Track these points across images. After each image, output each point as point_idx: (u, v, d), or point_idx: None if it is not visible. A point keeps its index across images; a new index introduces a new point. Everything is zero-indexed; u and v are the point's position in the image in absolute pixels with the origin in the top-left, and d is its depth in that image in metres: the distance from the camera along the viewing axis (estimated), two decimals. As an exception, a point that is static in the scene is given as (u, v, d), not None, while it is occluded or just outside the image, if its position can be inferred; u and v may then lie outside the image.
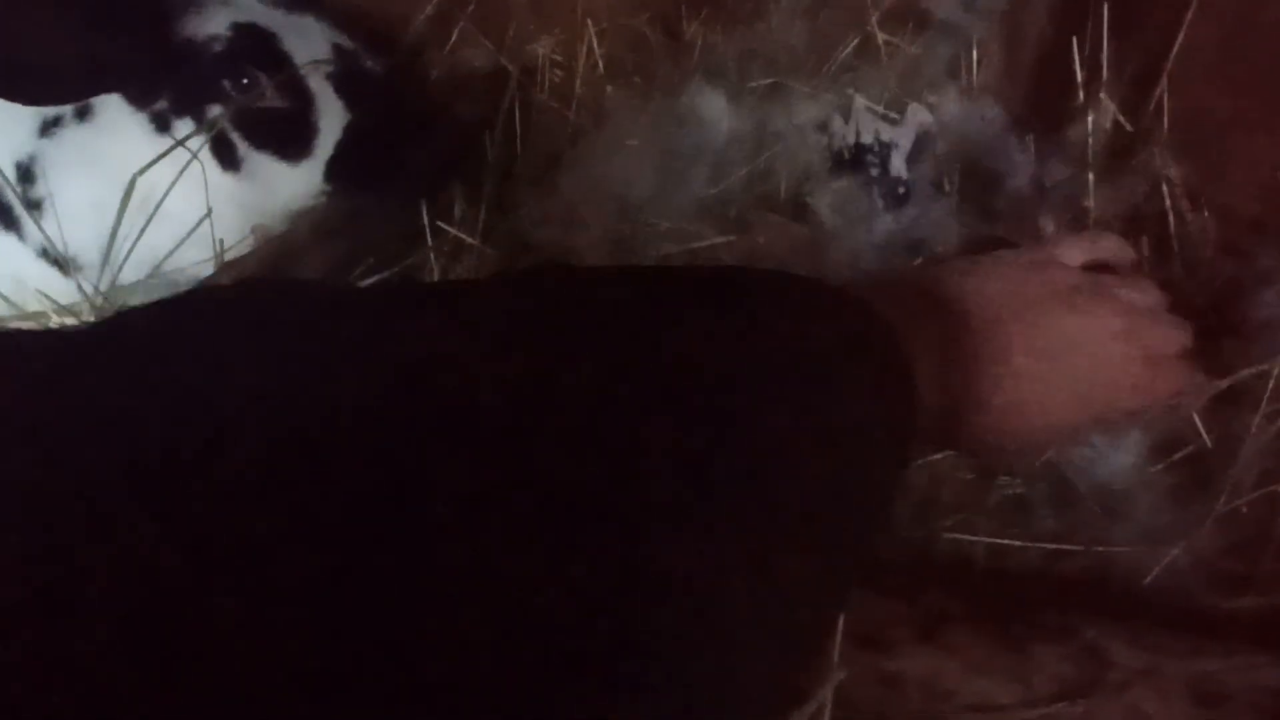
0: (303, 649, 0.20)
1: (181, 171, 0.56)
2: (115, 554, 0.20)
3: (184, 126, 0.58)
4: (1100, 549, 0.48)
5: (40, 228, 0.61)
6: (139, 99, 0.59)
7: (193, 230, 0.56)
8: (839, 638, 0.38)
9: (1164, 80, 0.59)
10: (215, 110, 0.58)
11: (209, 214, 0.55)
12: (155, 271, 0.58)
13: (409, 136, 0.60)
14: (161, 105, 0.59)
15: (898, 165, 0.64)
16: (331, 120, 0.60)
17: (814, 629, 0.34)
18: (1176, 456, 0.50)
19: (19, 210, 0.61)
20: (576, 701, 0.22)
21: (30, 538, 0.20)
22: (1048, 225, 0.57)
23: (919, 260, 0.59)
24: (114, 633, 0.19)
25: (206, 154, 0.57)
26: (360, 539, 0.22)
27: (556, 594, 0.23)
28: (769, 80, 0.66)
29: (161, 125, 0.59)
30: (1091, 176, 0.59)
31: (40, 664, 0.19)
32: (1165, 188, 0.58)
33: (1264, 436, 0.49)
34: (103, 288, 0.59)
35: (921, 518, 0.50)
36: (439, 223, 0.60)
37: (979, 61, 0.65)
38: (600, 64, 0.69)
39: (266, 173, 0.60)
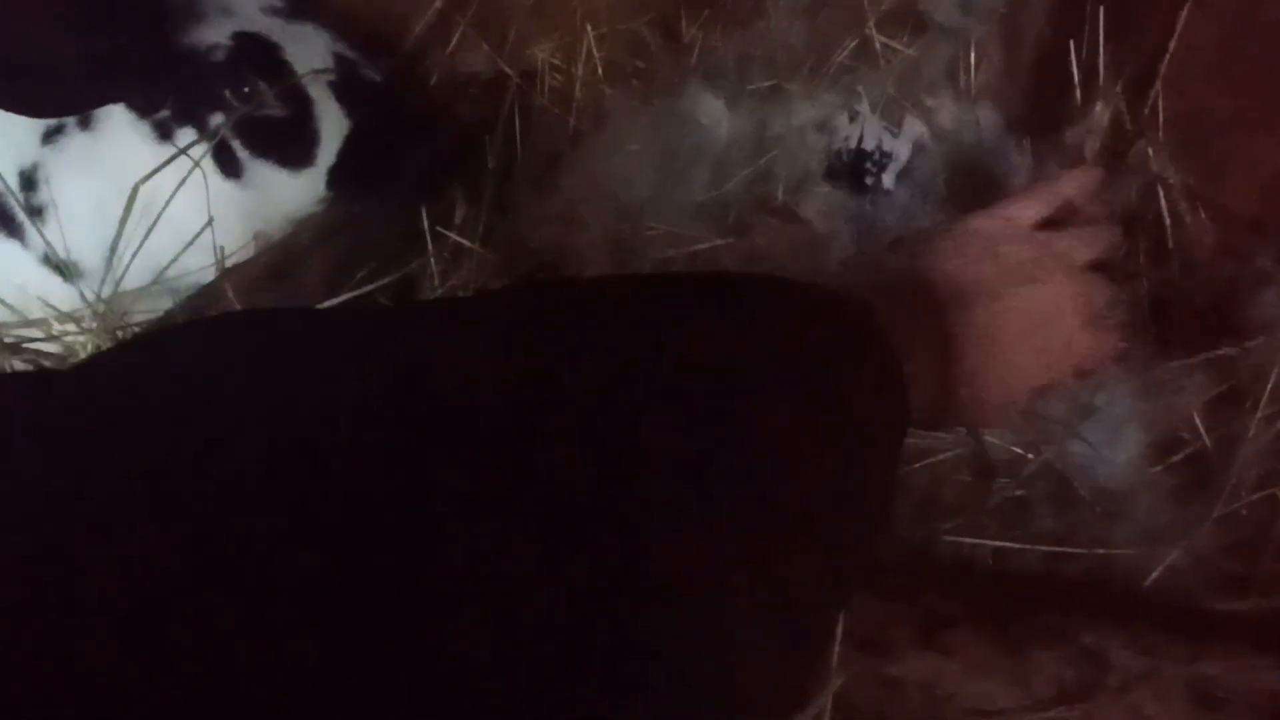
0: (302, 649, 0.20)
1: (184, 180, 0.56)
2: (115, 554, 0.20)
3: (186, 134, 0.59)
4: (1100, 550, 0.48)
5: (43, 235, 0.61)
6: (141, 108, 0.59)
7: (195, 238, 0.56)
8: (839, 640, 0.38)
9: (1158, 82, 0.59)
10: (217, 118, 0.58)
11: (210, 222, 0.56)
12: (157, 278, 0.59)
13: (409, 140, 0.60)
14: (163, 113, 0.59)
15: (889, 179, 0.64)
16: (332, 128, 0.60)
17: (815, 629, 0.34)
18: (1176, 457, 0.50)
19: (22, 217, 0.61)
20: (577, 701, 0.22)
21: (30, 538, 0.20)
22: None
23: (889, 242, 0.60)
24: (114, 633, 0.19)
25: (208, 162, 0.57)
26: (360, 539, 0.22)
27: (557, 594, 0.23)
28: (768, 82, 0.66)
29: (163, 133, 0.59)
30: (1090, 177, 0.59)
31: (40, 664, 0.19)
32: (1163, 188, 0.58)
33: (1264, 437, 0.50)
34: (105, 295, 0.59)
35: (921, 519, 0.50)
36: (438, 228, 0.60)
37: (977, 63, 0.65)
38: (600, 67, 0.69)
39: (268, 180, 0.60)
